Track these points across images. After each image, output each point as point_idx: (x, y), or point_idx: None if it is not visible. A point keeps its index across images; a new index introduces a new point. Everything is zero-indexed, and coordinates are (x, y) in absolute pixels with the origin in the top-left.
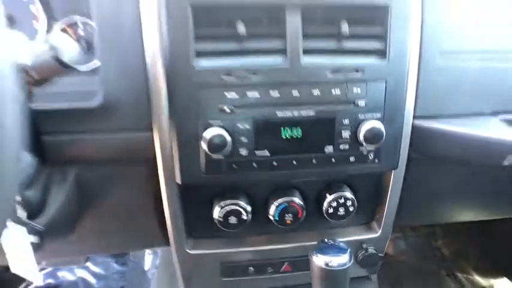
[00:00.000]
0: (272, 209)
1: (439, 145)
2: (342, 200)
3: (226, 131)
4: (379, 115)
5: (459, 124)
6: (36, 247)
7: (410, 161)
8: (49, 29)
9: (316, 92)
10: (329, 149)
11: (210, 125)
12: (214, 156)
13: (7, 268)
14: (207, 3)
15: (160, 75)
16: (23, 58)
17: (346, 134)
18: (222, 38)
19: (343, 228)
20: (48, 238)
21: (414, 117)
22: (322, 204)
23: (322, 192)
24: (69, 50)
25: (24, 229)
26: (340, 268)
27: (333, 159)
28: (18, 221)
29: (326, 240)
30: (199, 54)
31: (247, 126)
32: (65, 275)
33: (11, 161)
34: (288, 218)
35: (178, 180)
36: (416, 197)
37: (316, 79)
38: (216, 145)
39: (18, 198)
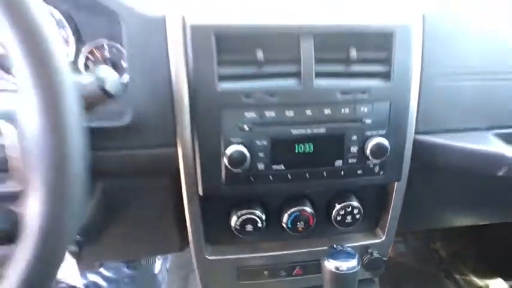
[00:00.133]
0: (285, 217)
1: (438, 158)
2: (349, 209)
3: (245, 147)
4: (384, 132)
5: (457, 138)
6: (75, 256)
7: (412, 172)
8: (78, 52)
9: (327, 111)
10: (338, 162)
11: (231, 142)
12: (234, 170)
13: None
14: (229, 32)
15: (185, 96)
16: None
17: (354, 149)
18: (242, 63)
19: (349, 234)
20: (85, 247)
21: (416, 132)
22: (331, 212)
23: (331, 201)
24: (112, 80)
25: None
26: (350, 272)
27: (342, 172)
28: None
29: (335, 246)
30: (222, 78)
31: (265, 143)
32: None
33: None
34: (300, 225)
35: (201, 192)
36: (417, 204)
37: (327, 100)
38: (236, 160)
39: None
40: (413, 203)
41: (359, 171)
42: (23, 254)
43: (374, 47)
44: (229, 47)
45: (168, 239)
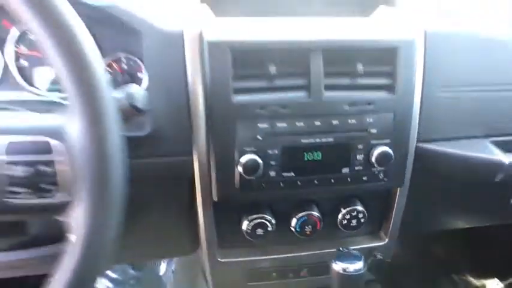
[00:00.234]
0: (294, 221)
1: (439, 164)
2: (355, 213)
3: (258, 156)
4: (388, 141)
5: (456, 146)
6: None
7: (414, 178)
8: None
9: (335, 122)
10: (345, 170)
11: (245, 152)
12: (248, 177)
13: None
14: (244, 47)
15: (201, 108)
16: None
17: (360, 157)
18: (256, 77)
19: (354, 237)
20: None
21: (418, 140)
22: (337, 216)
23: (337, 206)
24: (140, 96)
25: None
26: (357, 273)
27: (349, 179)
28: None
29: (341, 248)
30: (237, 91)
31: (276, 152)
32: None
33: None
34: (308, 229)
35: (215, 197)
36: (419, 208)
37: (335, 111)
38: (250, 168)
39: None
40: (415, 206)
41: (364, 178)
42: (69, 259)
43: (379, 62)
44: (244, 61)
45: (179, 242)
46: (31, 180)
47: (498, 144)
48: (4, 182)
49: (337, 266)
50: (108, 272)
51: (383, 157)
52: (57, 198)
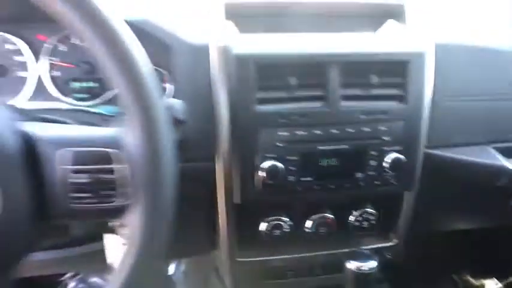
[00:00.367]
0: (309, 223)
1: (445, 169)
2: (366, 215)
3: (279, 161)
4: (399, 147)
5: (461, 152)
6: None
7: (422, 182)
8: None
9: (350, 130)
10: (359, 175)
11: (266, 158)
12: (269, 181)
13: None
14: (267, 61)
15: (225, 117)
16: None
17: (373, 163)
18: (277, 88)
19: (365, 238)
20: None
21: (426, 147)
22: (350, 218)
23: (349, 208)
24: (181, 108)
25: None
26: (370, 272)
27: (362, 183)
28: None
29: (355, 249)
30: (259, 101)
31: (295, 158)
32: (95, 280)
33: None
34: (322, 230)
35: (237, 200)
36: (426, 210)
37: (351, 120)
38: (272, 173)
39: None
40: (422, 208)
41: (377, 182)
42: (127, 258)
43: (391, 73)
44: (267, 74)
45: (196, 243)
46: (93, 187)
47: (500, 151)
48: (69, 189)
49: (351, 265)
50: None
51: (395, 163)
52: (116, 202)
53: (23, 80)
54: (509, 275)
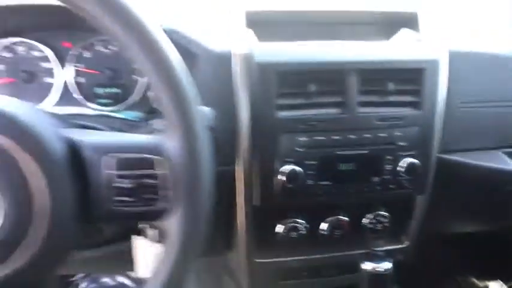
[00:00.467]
0: (324, 225)
1: (457, 173)
2: (379, 218)
3: (298, 166)
4: (414, 152)
5: (473, 156)
6: None
7: (434, 185)
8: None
9: (367, 135)
10: (375, 179)
11: (286, 162)
12: (288, 185)
13: None
14: (288, 69)
15: (245, 122)
16: None
17: (388, 167)
18: (297, 94)
19: (377, 240)
20: None
21: (439, 151)
22: (363, 220)
23: (363, 211)
24: (211, 115)
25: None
26: (386, 273)
27: (378, 187)
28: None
29: (370, 250)
30: (280, 107)
31: (313, 162)
32: (106, 280)
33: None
34: (337, 232)
35: (257, 203)
36: (437, 213)
37: (367, 126)
38: (292, 177)
39: None
40: (433, 211)
41: (391, 186)
42: (167, 257)
43: (407, 81)
44: (287, 81)
45: (212, 244)
46: (136, 191)
47: (510, 155)
48: (113, 193)
49: (367, 266)
50: (129, 272)
51: (410, 167)
52: (158, 205)
53: (49, 86)
54: None
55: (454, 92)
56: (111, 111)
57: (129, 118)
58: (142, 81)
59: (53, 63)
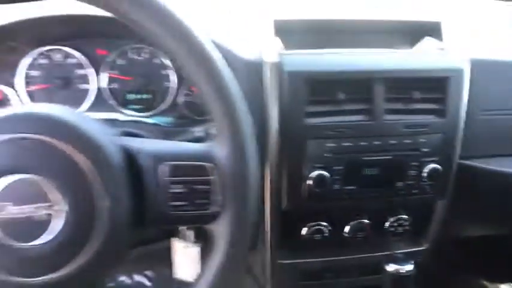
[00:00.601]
0: (348, 228)
1: (477, 178)
2: (401, 221)
3: (326, 171)
4: (437, 158)
5: (491, 162)
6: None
7: (455, 190)
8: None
9: (392, 141)
10: (399, 184)
11: (314, 168)
12: (316, 190)
13: None
14: (317, 77)
15: (274, 128)
16: None
17: (412, 172)
18: (325, 102)
19: (398, 243)
20: None
21: (460, 157)
22: (384, 224)
23: (385, 214)
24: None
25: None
26: (408, 274)
27: (401, 192)
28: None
29: (388, 252)
30: (309, 114)
31: (340, 167)
32: (123, 279)
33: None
34: (359, 234)
35: (285, 206)
36: (456, 216)
37: (393, 132)
38: (318, 182)
39: None
40: (452, 215)
41: (414, 191)
42: (215, 259)
43: (432, 89)
44: (316, 89)
45: None
46: (190, 196)
47: None
48: (168, 198)
49: (391, 268)
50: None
51: (432, 173)
52: (210, 210)
53: (84, 92)
54: None
55: (474, 99)
56: (143, 116)
57: (161, 123)
58: (173, 87)
59: (88, 70)
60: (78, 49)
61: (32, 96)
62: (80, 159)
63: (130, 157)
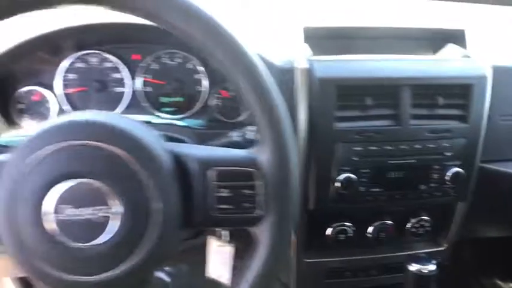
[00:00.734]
0: (371, 229)
1: (497, 181)
2: (422, 222)
3: (353, 174)
4: (459, 162)
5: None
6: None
7: (475, 192)
8: (211, 90)
9: (417, 146)
10: (422, 186)
11: (342, 170)
12: (343, 191)
13: None
14: (347, 83)
15: (302, 132)
16: None
17: (435, 176)
18: (354, 107)
19: (418, 243)
20: None
21: (481, 161)
22: (406, 225)
23: (407, 216)
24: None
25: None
26: (431, 274)
27: (424, 194)
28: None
29: (409, 252)
30: (337, 119)
31: (367, 170)
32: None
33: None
34: (382, 235)
35: (312, 207)
36: (475, 218)
37: (418, 137)
38: (346, 184)
39: None
40: (472, 217)
41: (437, 193)
42: (257, 260)
43: (456, 95)
44: (345, 94)
45: None
46: (235, 199)
47: None
48: (215, 201)
49: (413, 267)
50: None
51: (455, 176)
52: (254, 213)
53: (119, 95)
54: None
55: (495, 104)
56: (175, 119)
57: (192, 126)
58: (204, 91)
59: (124, 74)
60: (114, 54)
61: (69, 98)
62: (133, 162)
63: (179, 162)
